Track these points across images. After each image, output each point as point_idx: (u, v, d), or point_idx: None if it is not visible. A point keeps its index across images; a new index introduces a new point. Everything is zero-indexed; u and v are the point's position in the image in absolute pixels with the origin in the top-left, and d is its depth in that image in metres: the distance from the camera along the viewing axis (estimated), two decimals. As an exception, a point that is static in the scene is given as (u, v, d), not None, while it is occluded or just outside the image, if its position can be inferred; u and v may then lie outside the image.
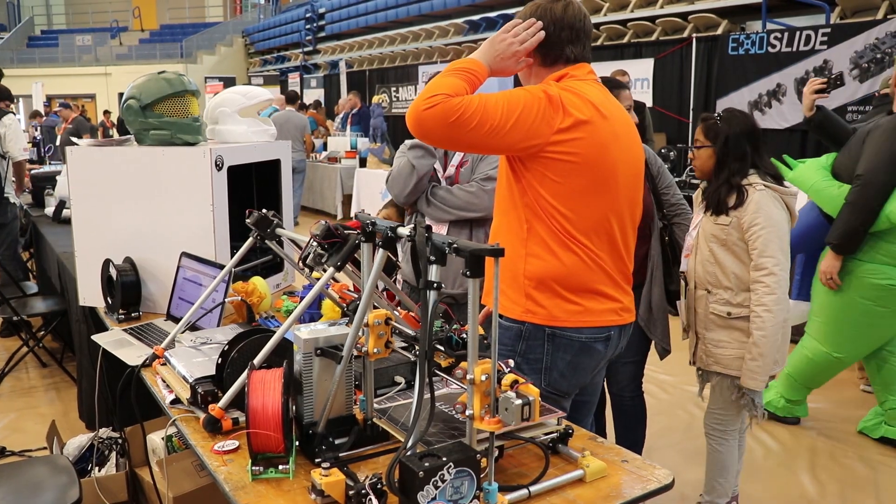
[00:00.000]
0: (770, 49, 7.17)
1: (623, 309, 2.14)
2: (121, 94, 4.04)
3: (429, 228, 1.44)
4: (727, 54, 7.71)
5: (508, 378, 1.39)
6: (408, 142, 3.03)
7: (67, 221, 4.13)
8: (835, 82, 3.69)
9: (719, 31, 9.11)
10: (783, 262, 2.70)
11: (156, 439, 3.13)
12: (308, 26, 21.30)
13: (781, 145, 7.09)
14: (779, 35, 7.06)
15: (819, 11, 8.14)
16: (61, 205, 5.27)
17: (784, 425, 4.16)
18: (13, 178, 5.76)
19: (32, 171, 6.19)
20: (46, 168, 6.86)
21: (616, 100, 2.18)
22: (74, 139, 3.41)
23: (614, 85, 2.98)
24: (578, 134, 1.95)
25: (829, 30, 6.71)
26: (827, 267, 3.62)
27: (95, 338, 2.70)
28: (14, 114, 6.04)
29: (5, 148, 5.48)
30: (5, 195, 5.51)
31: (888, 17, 6.87)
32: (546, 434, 1.70)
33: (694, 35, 9.09)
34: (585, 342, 2.09)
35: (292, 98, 11.19)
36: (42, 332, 5.07)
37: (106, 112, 19.12)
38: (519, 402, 1.35)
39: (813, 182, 3.76)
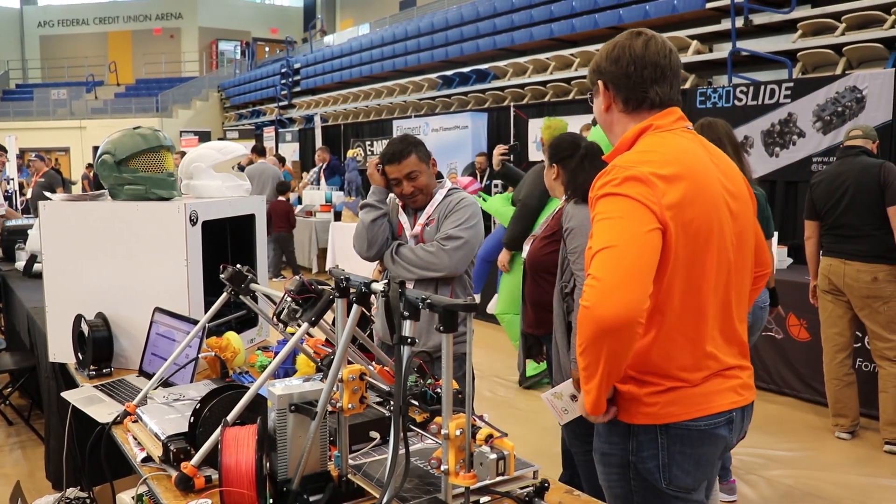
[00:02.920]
0: (737, 102, 7.35)
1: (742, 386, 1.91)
2: (95, 148, 4.05)
3: (402, 284, 1.46)
4: (695, 107, 7.87)
5: (483, 432, 1.39)
6: (361, 201, 3.09)
7: (38, 276, 4.08)
8: (514, 148, 5.27)
9: (687, 86, 9.34)
10: None
11: (126, 499, 3.04)
12: (283, 81, 21.52)
13: (750, 196, 7.23)
14: (744, 89, 7.25)
15: (781, 66, 8.39)
16: (32, 259, 5.22)
17: (761, 475, 4.16)
18: None
19: (7, 223, 6.14)
20: (18, 221, 6.80)
21: (716, 149, 1.97)
22: (47, 193, 3.40)
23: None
24: (679, 195, 1.75)
25: (792, 84, 6.90)
26: (502, 258, 5.37)
27: (65, 394, 2.66)
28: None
29: None
30: None
31: (846, 72, 7.11)
32: (522, 488, 1.69)
33: (662, 89, 9.30)
34: (705, 430, 1.85)
35: (261, 151, 11.29)
36: (9, 389, 4.96)
37: (89, 166, 19.01)
38: (494, 456, 1.35)
39: (497, 208, 5.97)
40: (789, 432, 4.80)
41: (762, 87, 7.13)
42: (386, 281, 1.48)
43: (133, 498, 2.97)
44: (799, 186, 6.89)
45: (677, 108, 1.93)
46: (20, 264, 5.48)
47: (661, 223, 1.72)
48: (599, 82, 1.97)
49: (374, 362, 1.89)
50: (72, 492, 3.20)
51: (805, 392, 5.30)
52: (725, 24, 9.35)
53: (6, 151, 6.94)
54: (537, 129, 9.56)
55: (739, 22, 8.83)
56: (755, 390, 1.99)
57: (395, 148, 3.03)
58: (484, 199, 6.13)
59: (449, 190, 3.12)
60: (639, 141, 1.88)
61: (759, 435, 4.68)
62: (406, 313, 1.42)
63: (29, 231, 5.50)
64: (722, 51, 9.37)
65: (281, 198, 10.52)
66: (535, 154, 10.28)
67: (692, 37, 9.83)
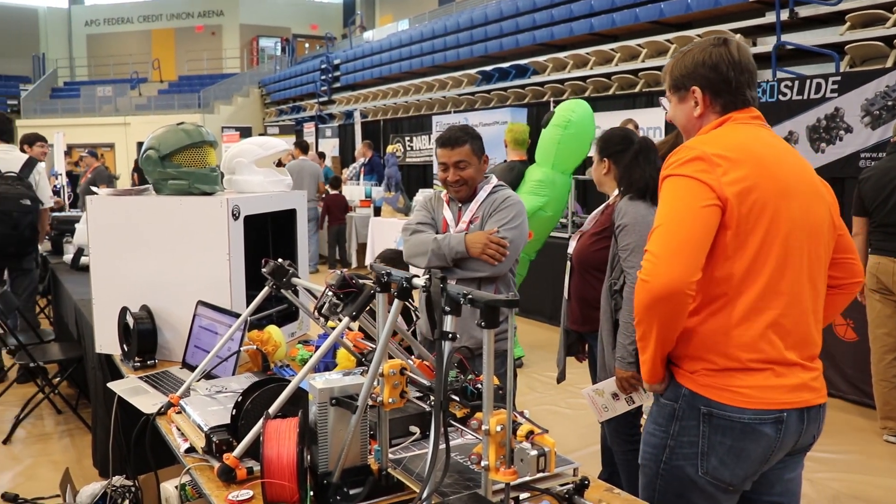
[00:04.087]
0: (781, 97, 7.22)
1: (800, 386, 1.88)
2: (139, 144, 4.14)
3: (444, 279, 1.45)
4: (738, 103, 7.79)
5: (524, 428, 1.38)
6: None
7: (85, 269, 4.17)
8: None
9: (730, 81, 9.20)
10: None
11: (169, 488, 3.10)
12: (323, 77, 21.66)
13: (794, 193, 7.10)
14: (789, 83, 7.11)
15: (828, 60, 8.21)
16: (79, 252, 5.34)
17: (807, 478, 4.07)
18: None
19: (54, 215, 6.30)
20: (69, 213, 6.98)
21: (790, 147, 2.00)
22: (93, 188, 3.47)
23: None
24: (742, 175, 1.80)
25: (839, 78, 6.75)
26: None
27: (111, 385, 2.71)
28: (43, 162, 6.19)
29: (38, 195, 5.59)
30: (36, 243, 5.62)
31: (897, 65, 6.96)
32: (562, 485, 1.68)
33: (705, 84, 9.17)
34: (749, 423, 1.84)
35: (305, 148, 11.42)
36: (58, 379, 5.08)
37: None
38: (534, 452, 1.34)
39: None
40: (836, 434, 4.69)
41: (808, 82, 6.99)
42: (427, 276, 1.48)
43: (176, 487, 3.03)
44: (846, 183, 6.74)
45: (755, 108, 1.98)
46: (68, 257, 5.61)
47: (721, 199, 1.79)
48: (695, 88, 1.99)
49: (411, 357, 1.89)
50: (117, 479, 3.27)
51: (852, 394, 5.18)
52: (770, 17, 9.18)
53: (46, 141, 7.10)
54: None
55: (784, 15, 8.65)
56: (824, 394, 1.95)
57: (452, 134, 3.04)
58: None
59: (494, 187, 3.10)
60: (713, 130, 1.94)
61: (803, 436, 4.60)
62: (447, 308, 1.42)
63: (76, 224, 5.62)
64: (766, 45, 9.20)
65: (333, 191, 10.84)
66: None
67: (735, 30, 9.65)
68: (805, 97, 7.00)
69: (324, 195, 11.06)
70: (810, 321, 1.91)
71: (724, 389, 1.84)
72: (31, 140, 6.74)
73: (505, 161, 6.20)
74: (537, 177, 5.68)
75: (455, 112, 13.75)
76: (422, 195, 6.60)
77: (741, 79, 1.94)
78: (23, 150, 6.04)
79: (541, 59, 13.13)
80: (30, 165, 5.66)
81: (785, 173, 1.87)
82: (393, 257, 3.63)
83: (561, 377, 3.53)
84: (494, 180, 3.15)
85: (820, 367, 1.95)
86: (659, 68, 10.17)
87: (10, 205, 5.34)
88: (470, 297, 1.39)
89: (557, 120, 5.64)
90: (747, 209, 1.80)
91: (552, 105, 10.90)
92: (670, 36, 10.74)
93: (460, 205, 3.12)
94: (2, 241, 5.38)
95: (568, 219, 7.14)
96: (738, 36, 9.52)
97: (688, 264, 1.75)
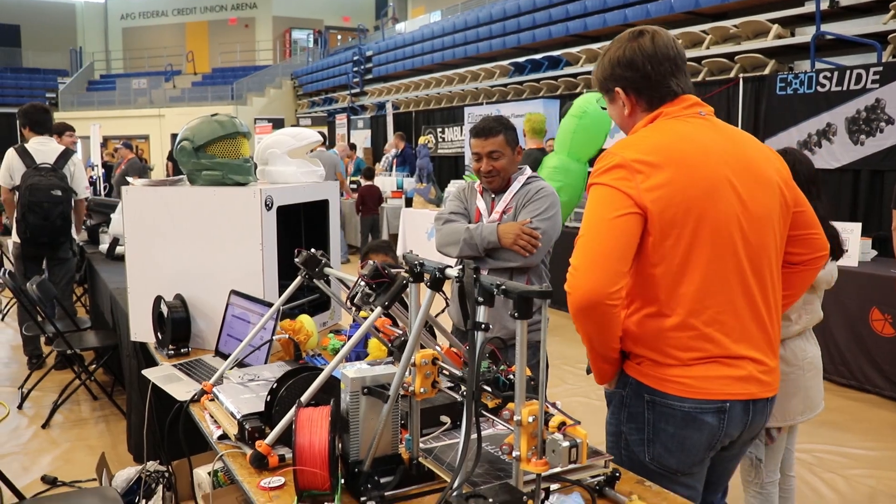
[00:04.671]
0: (819, 88, 7.09)
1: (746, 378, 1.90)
2: (173, 135, 4.19)
3: (477, 270, 1.45)
4: (775, 94, 7.62)
5: (556, 419, 1.37)
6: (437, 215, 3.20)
7: (121, 258, 4.23)
8: None
9: (766, 71, 9.06)
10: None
11: (202, 474, 3.15)
12: (355, 69, 21.72)
13: (833, 185, 6.97)
14: (828, 74, 6.98)
15: (870, 50, 8.04)
16: (115, 242, 5.42)
17: (840, 474, 4.02)
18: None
19: (92, 198, 6.42)
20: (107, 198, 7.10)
21: (738, 133, 1.98)
22: (129, 178, 3.51)
23: None
24: (663, 181, 1.80)
25: (881, 68, 6.61)
26: None
27: (145, 372, 2.74)
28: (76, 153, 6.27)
29: (73, 186, 5.69)
30: (70, 232, 5.71)
31: (942, 56, 6.79)
32: (593, 476, 1.68)
33: (741, 75, 9.04)
34: (689, 412, 1.88)
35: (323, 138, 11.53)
36: (94, 366, 5.17)
37: None
38: (566, 443, 1.33)
39: None
40: (872, 431, 4.62)
41: (847, 72, 6.85)
42: (460, 267, 1.48)
43: (209, 473, 3.08)
44: (885, 175, 6.61)
45: (691, 95, 1.95)
46: (104, 247, 5.70)
47: (640, 207, 1.79)
48: (617, 89, 1.98)
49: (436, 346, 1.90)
50: (151, 465, 3.32)
51: (888, 390, 5.09)
52: (809, 7, 9.00)
53: (74, 131, 7.21)
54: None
55: (824, 4, 8.49)
56: (773, 388, 1.96)
57: (487, 124, 3.04)
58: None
59: (528, 178, 3.09)
60: (644, 128, 1.93)
61: (840, 432, 4.53)
62: (480, 299, 1.41)
63: (112, 215, 5.71)
64: (805, 34, 9.04)
65: (367, 182, 10.95)
66: (608, 141, 10.14)
67: (773, 20, 9.50)
68: (844, 88, 6.87)
69: (354, 186, 11.15)
70: (761, 313, 1.91)
71: (666, 380, 1.89)
72: (60, 130, 6.84)
73: (523, 149, 6.40)
74: (553, 163, 5.93)
75: (487, 103, 13.71)
76: (454, 186, 6.72)
77: (661, 70, 1.91)
78: None
79: (574, 50, 13.03)
80: (65, 157, 5.75)
81: (713, 169, 1.84)
82: (381, 245, 3.66)
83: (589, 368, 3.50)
84: (528, 171, 3.14)
85: (773, 362, 1.95)
86: (694, 59, 10.05)
87: (41, 195, 5.43)
88: (503, 287, 1.38)
89: (574, 110, 5.90)
90: (670, 216, 1.79)
91: (584, 97, 10.84)
92: (706, 27, 10.59)
93: (493, 195, 3.11)
94: (34, 232, 5.48)
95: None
96: (776, 26, 9.38)
97: (604, 276, 1.76)
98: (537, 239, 2.92)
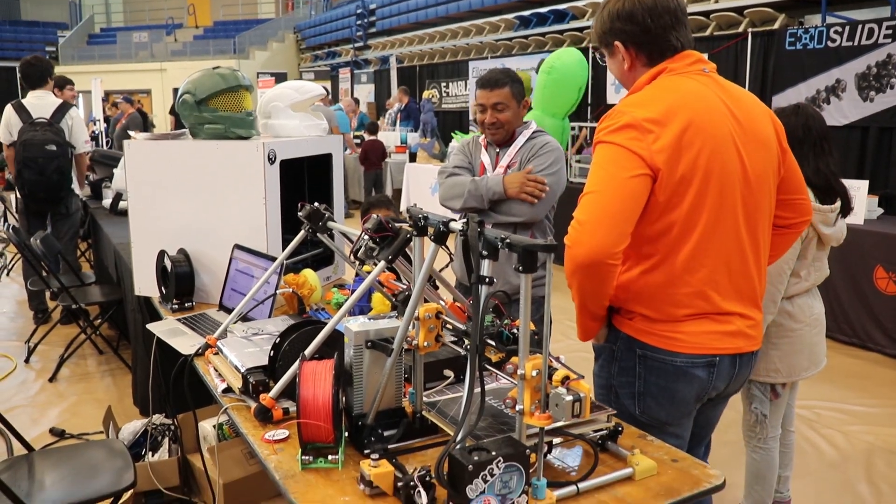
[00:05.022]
0: (829, 43, 6.98)
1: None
2: (175, 90, 4.15)
3: (481, 223, 1.44)
4: (784, 49, 7.52)
5: (559, 374, 1.38)
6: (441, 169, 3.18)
7: (124, 213, 4.23)
8: None
9: (776, 26, 8.90)
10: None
11: (207, 427, 3.18)
12: (359, 22, 21.42)
13: (840, 142, 6.91)
14: (839, 29, 6.87)
15: (883, 4, 7.90)
16: (118, 197, 5.41)
17: (839, 430, 4.05)
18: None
19: (97, 149, 6.38)
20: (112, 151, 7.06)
21: (738, 91, 1.95)
22: (131, 132, 3.49)
23: None
24: (673, 140, 1.78)
25: (894, 22, 6.50)
26: None
27: (150, 327, 2.76)
28: (77, 107, 6.21)
29: (72, 140, 5.64)
30: (72, 186, 5.68)
31: (955, 10, 6.66)
32: (596, 431, 1.69)
33: (749, 30, 8.90)
34: (681, 367, 1.91)
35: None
36: (99, 321, 5.20)
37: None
38: (570, 398, 1.34)
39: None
40: (872, 388, 4.65)
41: (859, 27, 6.74)
42: (464, 220, 1.47)
43: (214, 426, 3.11)
44: (895, 133, 6.54)
45: (693, 51, 1.93)
46: (107, 202, 5.69)
47: (652, 168, 1.77)
48: (617, 43, 1.96)
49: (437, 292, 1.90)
50: (157, 418, 3.36)
51: (890, 348, 5.11)
52: (821, -41, 8.83)
53: (74, 84, 7.11)
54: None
55: (837, -44, 8.33)
56: (758, 342, 1.99)
57: (493, 75, 3.01)
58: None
59: (533, 132, 3.06)
60: (649, 84, 1.90)
61: (840, 389, 4.56)
62: (485, 252, 1.41)
63: (115, 169, 5.69)
64: (816, -12, 8.88)
65: (371, 137, 10.88)
66: (614, 96, 10.07)
67: (784, -27, 9.32)
68: (856, 43, 6.77)
69: (357, 141, 11.10)
70: (751, 271, 1.93)
71: (658, 335, 1.90)
72: (61, 84, 6.76)
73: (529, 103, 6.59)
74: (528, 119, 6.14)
75: (492, 57, 13.55)
76: (458, 141, 6.71)
77: (661, 23, 1.88)
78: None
79: (579, 3, 12.80)
80: (62, 110, 5.66)
81: (720, 126, 1.83)
82: (382, 200, 3.65)
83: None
84: (534, 126, 3.11)
85: (759, 316, 1.99)
86: (702, 13, 9.88)
87: (34, 151, 5.39)
88: (508, 241, 1.37)
89: (543, 66, 6.03)
90: (678, 176, 1.78)
91: (591, 51, 10.68)
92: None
93: (498, 149, 3.09)
94: (31, 187, 5.46)
95: (568, 163, 7.17)
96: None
97: (611, 234, 1.74)
98: (544, 184, 2.90)
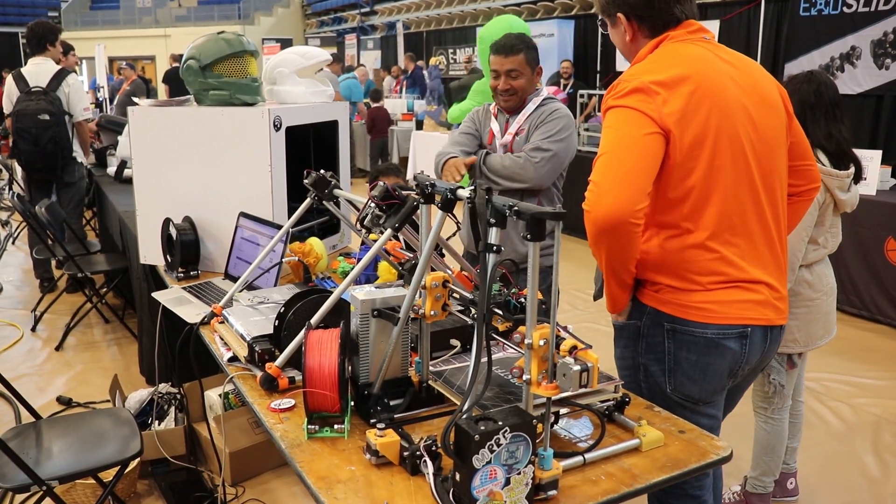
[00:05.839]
0: (845, 9, 6.87)
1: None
2: (180, 56, 4.11)
3: (489, 190, 1.42)
4: (798, 15, 7.41)
5: (567, 343, 1.37)
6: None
7: (129, 181, 4.22)
8: None
9: (791, -9, 8.78)
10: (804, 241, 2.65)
11: (213, 396, 3.20)
12: (365, -13, 21.22)
13: (853, 111, 6.83)
14: (855, -5, 6.77)
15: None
16: (122, 165, 5.40)
17: (846, 403, 4.06)
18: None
19: (103, 115, 6.33)
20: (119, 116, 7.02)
21: (741, 58, 1.95)
22: (135, 98, 3.47)
23: None
24: (683, 102, 1.77)
25: (910, -12, 6.41)
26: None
27: (155, 295, 2.76)
28: (77, 73, 6.14)
29: (69, 109, 5.59)
30: (73, 155, 5.65)
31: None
32: (603, 401, 1.69)
33: (763, -5, 8.78)
34: (712, 338, 1.87)
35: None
36: (105, 289, 5.23)
37: None
38: (577, 367, 1.33)
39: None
40: (880, 361, 4.64)
41: (876, -8, 6.64)
42: (472, 187, 1.45)
43: (220, 395, 3.13)
44: (911, 101, 6.47)
45: (695, 21, 1.94)
46: (111, 170, 5.68)
47: (663, 129, 1.76)
48: (620, 15, 1.96)
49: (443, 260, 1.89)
50: (164, 387, 3.38)
51: (901, 319, 5.10)
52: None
53: (74, 50, 6.98)
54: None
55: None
56: (785, 316, 1.96)
57: (508, 41, 2.97)
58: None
59: (544, 99, 3.04)
60: (651, 53, 1.89)
61: (847, 361, 4.56)
62: (492, 220, 1.39)
63: (119, 137, 5.66)
64: (832, -48, 8.71)
65: (375, 104, 10.83)
66: (624, 63, 9.95)
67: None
68: (872, 9, 6.67)
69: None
70: (773, 237, 1.92)
71: (687, 306, 1.87)
72: (66, 50, 6.68)
73: (542, 69, 6.58)
74: (474, 87, 6.33)
75: (500, 24, 13.38)
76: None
77: None
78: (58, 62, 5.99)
79: (590, -32, 12.65)
80: (59, 78, 5.57)
81: (727, 90, 1.82)
82: (390, 168, 3.65)
83: (598, 294, 3.52)
84: (545, 93, 3.08)
85: (784, 290, 1.96)
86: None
87: (27, 121, 5.34)
88: (516, 208, 1.36)
89: (479, 34, 6.16)
90: (691, 138, 1.77)
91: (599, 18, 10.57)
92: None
93: (507, 116, 3.07)
94: (28, 158, 5.43)
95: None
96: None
97: (632, 193, 1.71)
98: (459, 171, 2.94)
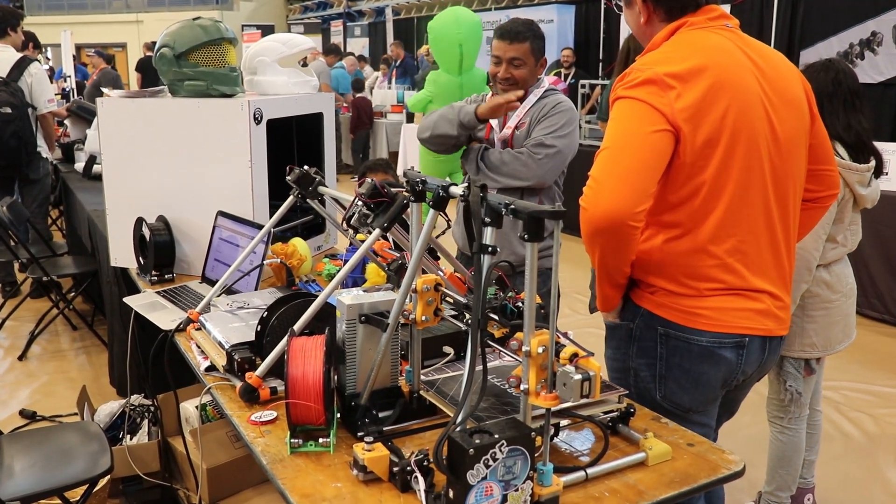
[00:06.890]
0: (866, -7, 6.91)
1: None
2: (153, 44, 4.10)
3: (483, 188, 1.43)
4: (815, -1, 7.45)
5: (567, 351, 1.37)
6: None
7: (98, 178, 4.21)
8: None
9: (807, -26, 8.82)
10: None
11: (189, 408, 3.20)
12: (352, -31, 21.21)
13: (874, 101, 6.86)
14: (876, -24, 6.80)
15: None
16: (91, 160, 5.39)
17: (868, 413, 4.08)
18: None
19: (75, 100, 6.29)
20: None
21: (764, 49, 1.94)
22: (104, 89, 3.47)
23: None
24: (698, 97, 1.76)
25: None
26: None
27: (127, 300, 2.76)
28: (40, 62, 6.11)
29: (32, 100, 5.57)
30: (37, 150, 5.63)
31: None
32: (606, 412, 1.69)
33: (778, -22, 8.82)
34: (707, 346, 1.89)
35: (334, 51, 11.50)
36: (72, 294, 5.21)
37: None
38: (579, 376, 1.33)
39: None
40: (903, 368, 4.67)
41: (899, -25, 6.67)
42: (466, 184, 1.46)
43: (197, 407, 3.12)
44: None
45: (716, 6, 1.92)
46: (79, 165, 5.67)
47: (673, 126, 1.75)
48: None
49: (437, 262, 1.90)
50: (136, 398, 3.38)
51: (923, 325, 5.13)
52: None
53: (40, 49, 6.90)
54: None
55: None
56: (786, 326, 1.98)
57: (515, 27, 2.97)
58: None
59: (545, 91, 3.04)
60: (668, 40, 1.89)
61: (868, 369, 4.58)
62: (487, 219, 1.40)
63: (88, 130, 5.65)
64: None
65: (359, 95, 10.81)
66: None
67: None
68: (895, -8, 6.70)
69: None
70: (780, 245, 1.92)
71: (682, 311, 1.88)
72: (27, 43, 6.63)
73: (547, 61, 6.58)
74: (429, 76, 6.49)
75: (496, 9, 13.42)
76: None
77: None
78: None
79: (592, -51, 12.67)
80: (20, 67, 5.55)
81: (747, 86, 1.82)
82: (380, 164, 3.64)
83: (594, 307, 3.51)
84: (546, 84, 3.08)
85: (788, 299, 1.97)
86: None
87: None
88: (512, 207, 1.36)
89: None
90: (703, 137, 1.77)
91: (603, 3, 10.59)
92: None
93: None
94: None
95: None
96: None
97: (633, 193, 1.72)
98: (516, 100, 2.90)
